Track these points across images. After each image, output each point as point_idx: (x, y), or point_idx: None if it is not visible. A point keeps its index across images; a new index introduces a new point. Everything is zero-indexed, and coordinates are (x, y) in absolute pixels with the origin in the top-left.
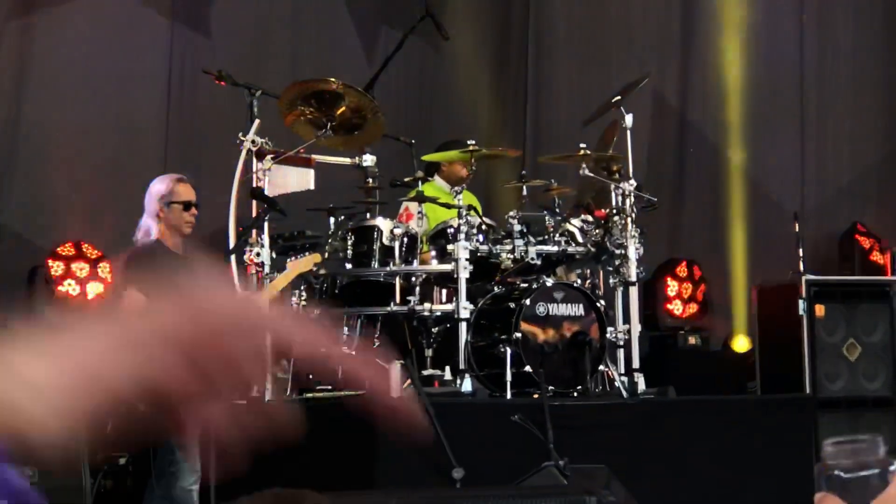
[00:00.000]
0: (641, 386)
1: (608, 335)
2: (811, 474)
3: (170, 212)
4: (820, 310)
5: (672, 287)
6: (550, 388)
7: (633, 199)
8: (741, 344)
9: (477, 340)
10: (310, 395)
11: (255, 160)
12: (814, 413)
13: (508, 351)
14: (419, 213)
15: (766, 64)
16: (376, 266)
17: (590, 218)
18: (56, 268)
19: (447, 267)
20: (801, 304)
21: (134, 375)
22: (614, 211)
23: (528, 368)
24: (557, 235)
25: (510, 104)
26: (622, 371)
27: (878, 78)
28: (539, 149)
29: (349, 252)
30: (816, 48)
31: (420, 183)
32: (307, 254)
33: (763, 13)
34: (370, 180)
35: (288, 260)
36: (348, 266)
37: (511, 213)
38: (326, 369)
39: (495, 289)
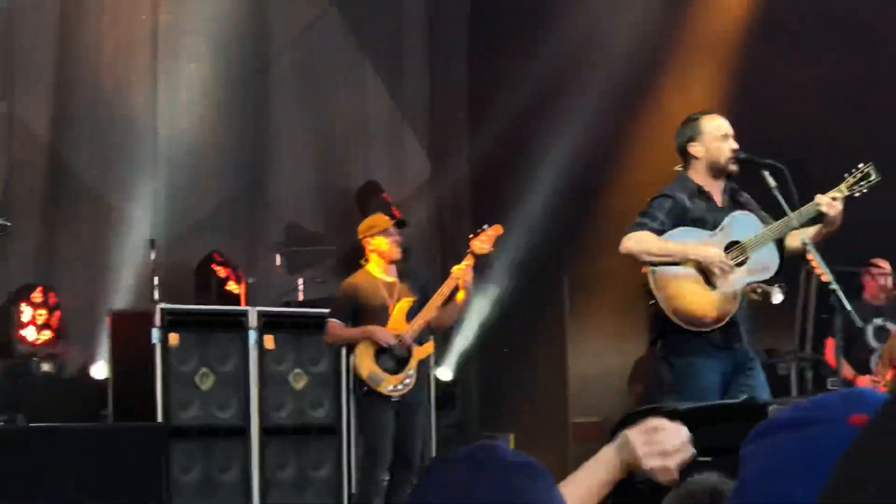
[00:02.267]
0: None
1: None
2: (163, 499)
3: None
4: (174, 338)
5: (27, 312)
6: None
7: None
8: (99, 370)
9: None
10: None
11: None
12: (166, 441)
13: None
14: None
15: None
16: None
17: None
18: None
19: None
20: (155, 333)
21: None
22: None
23: None
24: None
25: None
26: None
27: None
28: None
29: None
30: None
31: None
32: None
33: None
34: None
35: None
36: None
37: None
38: None
39: None
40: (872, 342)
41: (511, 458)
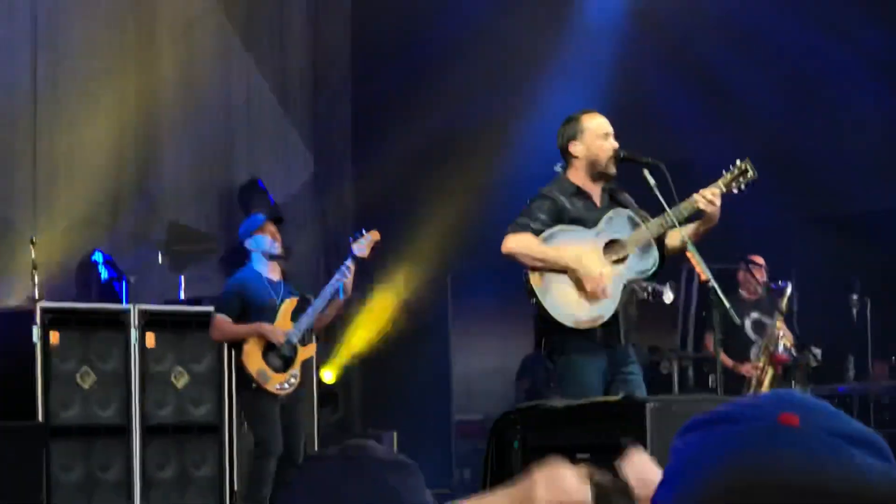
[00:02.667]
0: None
1: None
2: (42, 499)
3: None
4: (55, 337)
5: None
6: None
7: None
8: None
9: None
10: None
11: None
12: (46, 440)
13: None
14: None
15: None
16: None
17: None
18: None
19: None
20: (36, 331)
21: None
22: None
23: None
24: None
25: None
26: None
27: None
28: None
29: None
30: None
31: None
32: None
33: None
34: None
35: None
36: None
37: None
38: None
39: None
40: (751, 335)
41: (383, 457)
